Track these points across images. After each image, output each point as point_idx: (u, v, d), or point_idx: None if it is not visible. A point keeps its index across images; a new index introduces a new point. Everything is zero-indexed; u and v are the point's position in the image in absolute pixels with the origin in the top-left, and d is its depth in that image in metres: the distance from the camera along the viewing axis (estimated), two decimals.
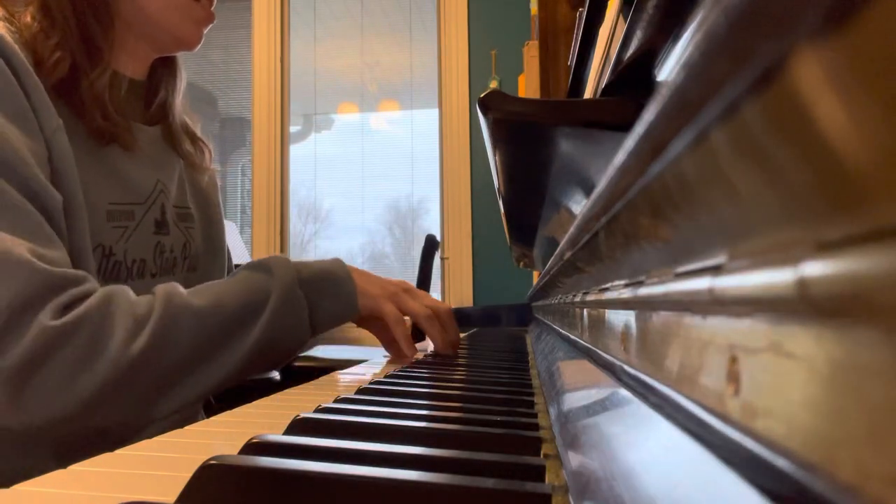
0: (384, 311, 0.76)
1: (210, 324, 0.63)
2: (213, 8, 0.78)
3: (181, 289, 0.64)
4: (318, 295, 0.71)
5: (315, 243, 3.34)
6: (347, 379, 0.69)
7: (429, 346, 0.88)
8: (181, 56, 0.84)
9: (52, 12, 0.67)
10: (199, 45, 0.78)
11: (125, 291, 0.61)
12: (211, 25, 0.78)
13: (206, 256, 0.86)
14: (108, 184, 0.70)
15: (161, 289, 0.63)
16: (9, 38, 0.61)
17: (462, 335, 1.40)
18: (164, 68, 0.82)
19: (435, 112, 3.08)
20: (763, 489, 0.12)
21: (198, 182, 0.87)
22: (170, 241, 0.78)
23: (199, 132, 0.87)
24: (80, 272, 0.59)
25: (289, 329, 0.68)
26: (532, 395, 0.52)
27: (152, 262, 0.75)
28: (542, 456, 0.31)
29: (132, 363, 0.57)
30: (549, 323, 0.91)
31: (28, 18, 0.66)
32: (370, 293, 0.75)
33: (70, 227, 0.63)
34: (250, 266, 0.71)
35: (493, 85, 2.88)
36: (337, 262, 0.76)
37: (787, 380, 0.11)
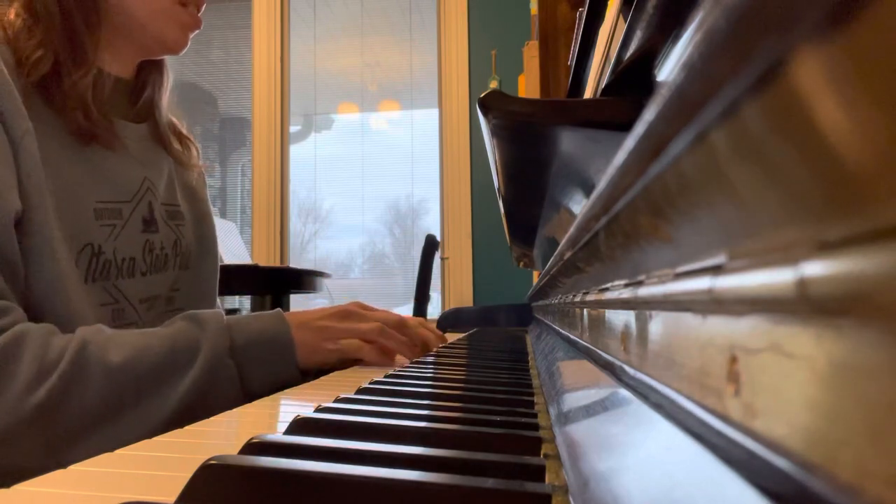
0: (342, 350, 0.72)
1: (122, 381, 0.59)
2: (200, 14, 0.77)
3: (103, 335, 0.60)
4: (251, 363, 0.66)
5: (315, 243, 3.34)
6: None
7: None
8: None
9: (36, 10, 0.66)
10: (185, 50, 0.78)
11: (41, 331, 0.57)
12: (197, 31, 0.78)
13: (198, 254, 0.86)
14: (94, 182, 0.69)
15: (80, 334, 0.59)
16: None
17: (462, 335, 1.40)
18: (151, 67, 0.82)
19: (435, 112, 3.08)
20: (763, 489, 0.12)
21: (187, 179, 0.87)
22: (159, 238, 0.78)
23: (185, 130, 0.87)
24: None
25: (216, 396, 0.63)
26: (532, 395, 0.52)
27: (142, 260, 0.75)
28: (542, 456, 0.31)
29: (31, 412, 0.54)
30: (549, 323, 0.91)
31: (12, 15, 0.65)
32: (316, 345, 0.70)
33: (31, 232, 0.61)
34: (185, 318, 0.67)
35: (493, 85, 2.88)
36: (277, 319, 0.70)
37: (787, 380, 0.11)
